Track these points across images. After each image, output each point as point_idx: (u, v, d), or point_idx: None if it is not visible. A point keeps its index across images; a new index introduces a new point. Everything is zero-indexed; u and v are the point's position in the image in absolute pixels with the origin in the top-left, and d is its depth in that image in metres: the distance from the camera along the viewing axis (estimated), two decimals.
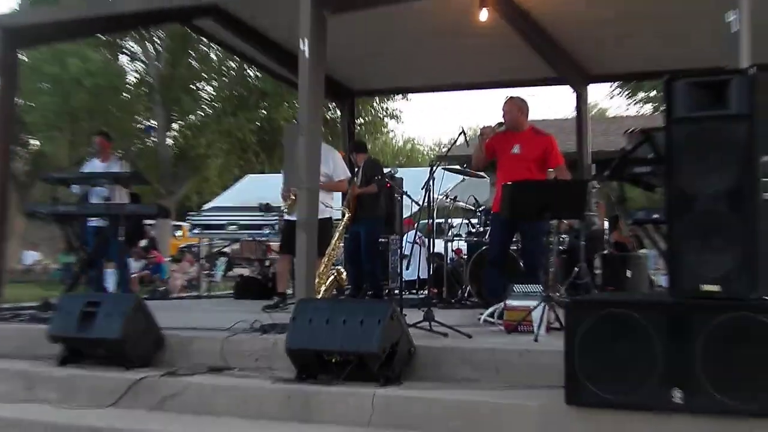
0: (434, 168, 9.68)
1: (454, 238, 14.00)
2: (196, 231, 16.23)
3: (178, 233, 40.68)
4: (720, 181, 5.97)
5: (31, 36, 12.71)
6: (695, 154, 6.07)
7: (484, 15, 12.78)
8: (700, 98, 6.13)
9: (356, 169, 13.23)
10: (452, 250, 14.30)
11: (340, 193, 12.46)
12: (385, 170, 12.98)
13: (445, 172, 12.75)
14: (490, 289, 10.61)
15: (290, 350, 7.72)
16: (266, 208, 14.63)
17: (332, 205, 12.04)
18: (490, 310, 9.55)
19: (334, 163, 11.96)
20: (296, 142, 9.48)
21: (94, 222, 12.07)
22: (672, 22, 13.26)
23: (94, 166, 12.48)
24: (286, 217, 12.23)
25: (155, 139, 35.17)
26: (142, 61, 36.70)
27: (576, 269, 12.41)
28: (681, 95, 6.18)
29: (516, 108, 10.50)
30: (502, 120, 10.57)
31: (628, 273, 12.78)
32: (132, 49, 37.18)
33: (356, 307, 7.83)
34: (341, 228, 12.15)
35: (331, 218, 11.99)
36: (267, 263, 17.36)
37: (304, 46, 9.69)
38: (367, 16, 12.23)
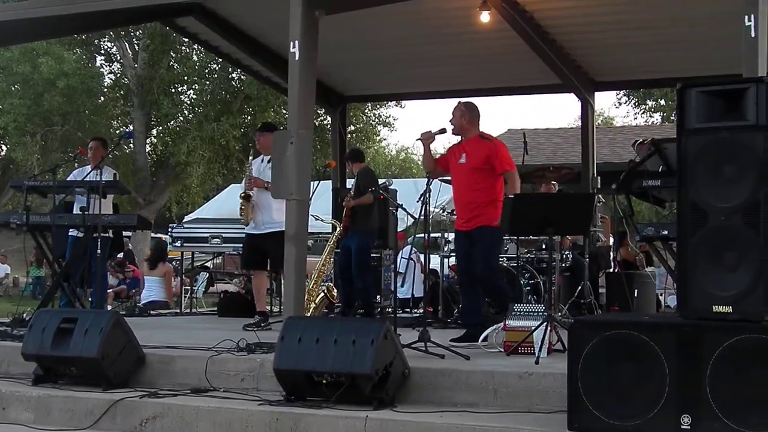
0: (431, 179, 9.71)
1: (451, 254, 14.00)
2: (177, 244, 16.24)
3: None
4: (735, 194, 6.01)
5: (4, 34, 12.74)
6: (709, 166, 6.12)
7: (485, 17, 12.86)
8: (714, 107, 6.17)
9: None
10: (448, 267, 14.31)
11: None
12: (380, 181, 13.00)
13: (442, 183, 12.76)
14: (465, 311, 10.61)
15: (278, 371, 7.75)
16: None
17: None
18: (488, 331, 9.59)
19: None
20: (285, 150, 9.49)
21: (74, 232, 12.07)
22: (683, 27, 13.36)
23: (85, 173, 12.43)
24: (246, 229, 12.23)
25: (132, 146, 35.07)
26: (119, 62, 36.64)
27: (579, 288, 12.48)
28: (694, 104, 6.23)
29: (459, 113, 10.35)
30: (447, 126, 10.46)
31: (636, 292, 12.81)
32: (108, 49, 37.11)
33: (348, 326, 7.86)
34: (332, 242, 12.18)
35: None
36: (251, 278, 17.38)
37: (295, 49, 9.72)
38: (360, 17, 12.28)
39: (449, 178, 10.78)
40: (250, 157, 12.65)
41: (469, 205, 10.00)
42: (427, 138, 10.22)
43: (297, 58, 9.68)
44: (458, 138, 10.51)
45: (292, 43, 9.71)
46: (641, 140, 10.85)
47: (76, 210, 12.03)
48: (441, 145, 51.10)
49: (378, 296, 14.29)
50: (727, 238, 6.06)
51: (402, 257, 15.00)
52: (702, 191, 6.14)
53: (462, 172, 10.18)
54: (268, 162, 11.87)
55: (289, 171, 9.46)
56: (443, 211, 13.78)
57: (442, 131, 10.28)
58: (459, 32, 14.04)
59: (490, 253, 10.27)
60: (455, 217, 13.37)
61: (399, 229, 15.33)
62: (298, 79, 9.71)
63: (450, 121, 10.36)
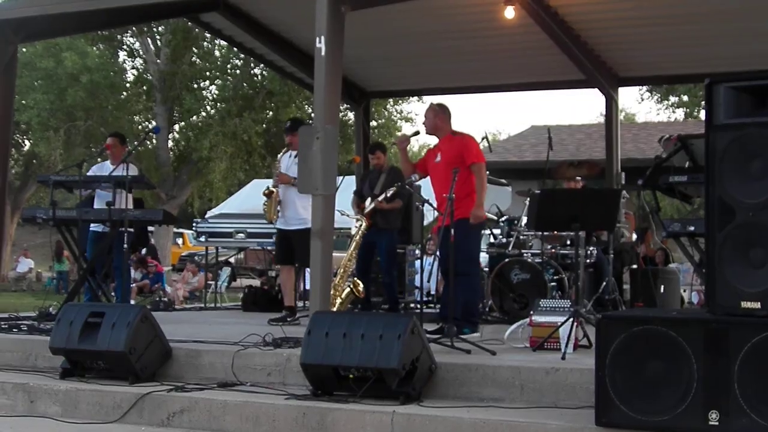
0: (455, 175, 9.74)
1: None
2: (201, 239, 16.29)
3: (179, 241, 40.79)
4: (763, 190, 5.99)
5: (30, 30, 12.79)
6: (737, 162, 6.10)
7: (510, 13, 12.87)
8: (742, 103, 6.15)
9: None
10: None
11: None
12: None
13: None
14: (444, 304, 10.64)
15: (305, 365, 7.79)
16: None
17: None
18: (513, 327, 9.61)
19: None
20: (311, 146, 9.50)
21: (96, 227, 12.11)
22: (708, 22, 13.32)
23: (104, 168, 12.47)
24: (278, 225, 12.29)
25: (155, 141, 35.16)
26: (142, 57, 36.75)
27: (603, 284, 12.48)
28: (723, 100, 6.21)
29: (432, 113, 10.48)
30: (420, 128, 10.56)
31: (661, 288, 12.80)
32: (131, 45, 37.22)
33: (375, 321, 7.88)
34: (358, 238, 12.18)
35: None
36: (273, 273, 17.43)
37: (321, 44, 9.73)
38: (385, 13, 12.30)
39: None
40: (279, 155, 12.69)
41: (447, 200, 9.99)
42: (403, 141, 10.45)
43: (323, 53, 9.67)
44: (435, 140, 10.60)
45: (318, 39, 9.70)
46: (667, 136, 10.85)
47: (97, 205, 12.07)
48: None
49: (402, 292, 14.34)
50: (755, 234, 6.04)
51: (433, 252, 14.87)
52: (730, 187, 6.13)
53: (438, 170, 10.29)
54: (295, 157, 11.96)
55: (314, 166, 9.45)
56: None
57: (416, 134, 10.50)
58: (483, 28, 14.04)
59: (468, 244, 10.18)
60: None
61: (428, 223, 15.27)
62: (324, 74, 9.70)
63: (423, 122, 10.47)
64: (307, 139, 9.55)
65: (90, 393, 8.25)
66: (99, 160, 13.59)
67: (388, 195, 12.36)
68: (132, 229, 11.38)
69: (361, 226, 12.23)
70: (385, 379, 7.43)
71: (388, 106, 38.17)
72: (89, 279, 11.51)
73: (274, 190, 12.18)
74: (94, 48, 34.66)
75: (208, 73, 35.55)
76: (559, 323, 8.76)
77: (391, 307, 12.86)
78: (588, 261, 12.63)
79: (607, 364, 6.32)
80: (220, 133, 32.68)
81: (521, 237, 13.09)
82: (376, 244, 12.66)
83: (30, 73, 33.31)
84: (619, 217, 12.34)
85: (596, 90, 16.28)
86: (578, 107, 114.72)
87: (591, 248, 12.71)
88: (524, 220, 13.01)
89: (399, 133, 10.51)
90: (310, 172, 9.49)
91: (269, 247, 16.44)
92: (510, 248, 12.83)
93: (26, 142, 39.99)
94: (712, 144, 6.24)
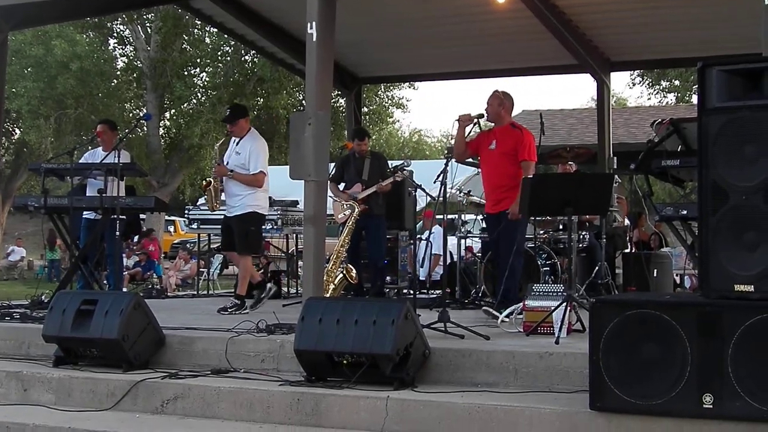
0: (448, 160, 9.76)
1: (467, 236, 14.04)
2: (194, 226, 16.25)
3: (171, 228, 40.75)
4: (756, 173, 5.99)
5: (20, 17, 12.75)
6: (730, 145, 6.09)
7: None
8: (735, 86, 6.15)
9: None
10: (464, 248, 14.32)
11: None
12: (398, 162, 13.02)
13: (457, 164, 12.74)
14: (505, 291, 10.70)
15: (299, 351, 7.78)
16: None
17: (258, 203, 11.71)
18: (508, 311, 9.62)
19: (249, 153, 11.59)
20: (303, 131, 9.47)
21: (89, 214, 12.08)
22: (700, 6, 13.33)
23: (97, 155, 12.43)
24: (224, 213, 12.03)
25: (145, 129, 35.05)
26: (132, 45, 36.63)
27: (596, 268, 12.49)
28: (715, 83, 6.20)
29: (497, 101, 10.68)
30: (484, 112, 10.65)
31: (654, 272, 12.83)
32: (121, 32, 37.09)
33: (369, 307, 7.86)
34: (351, 224, 12.17)
35: (256, 213, 11.66)
36: (265, 260, 17.41)
37: (312, 30, 9.71)
38: None
39: (469, 160, 10.96)
40: (217, 144, 12.64)
41: (497, 188, 10.37)
42: (466, 120, 10.45)
43: (314, 39, 9.66)
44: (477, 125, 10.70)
45: (309, 24, 9.69)
46: (660, 120, 10.81)
47: (90, 193, 12.04)
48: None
49: (395, 277, 14.38)
50: (748, 217, 6.04)
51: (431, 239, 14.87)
52: (723, 170, 6.12)
53: (492, 157, 10.59)
54: (236, 145, 11.76)
55: (306, 152, 9.43)
56: (459, 192, 13.79)
57: (481, 116, 10.50)
58: (474, 13, 14.04)
59: (517, 235, 10.40)
60: (472, 197, 13.53)
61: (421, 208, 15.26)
62: (316, 60, 9.69)
63: (485, 108, 10.55)
64: (299, 125, 9.54)
65: (83, 381, 8.24)
66: (89, 147, 13.53)
67: (398, 179, 12.44)
68: (124, 217, 11.34)
69: (353, 211, 12.22)
70: (379, 365, 7.43)
71: (379, 92, 38.14)
72: (81, 267, 11.49)
73: (211, 181, 11.99)
74: (84, 35, 34.53)
75: (198, 60, 35.44)
76: (553, 308, 8.77)
77: (377, 293, 12.83)
78: (580, 245, 12.65)
79: (600, 348, 6.32)
80: (211, 120, 32.56)
81: None
82: (363, 229, 12.66)
83: (20, 61, 33.17)
84: (611, 201, 12.37)
85: (588, 74, 16.32)
86: (570, 92, 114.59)
87: (583, 233, 12.74)
88: None
89: (462, 113, 10.47)
90: (302, 158, 9.48)
91: (264, 234, 16.38)
92: None
93: (17, 130, 39.90)
94: (704, 127, 6.23)
